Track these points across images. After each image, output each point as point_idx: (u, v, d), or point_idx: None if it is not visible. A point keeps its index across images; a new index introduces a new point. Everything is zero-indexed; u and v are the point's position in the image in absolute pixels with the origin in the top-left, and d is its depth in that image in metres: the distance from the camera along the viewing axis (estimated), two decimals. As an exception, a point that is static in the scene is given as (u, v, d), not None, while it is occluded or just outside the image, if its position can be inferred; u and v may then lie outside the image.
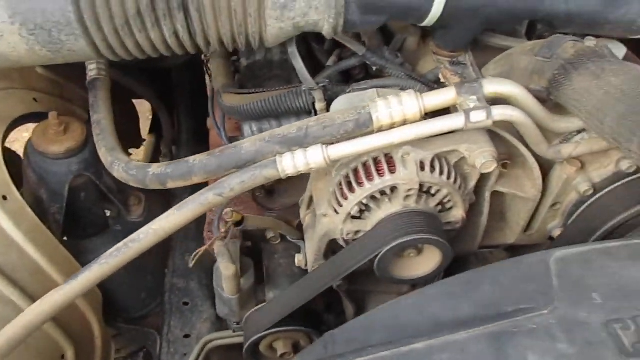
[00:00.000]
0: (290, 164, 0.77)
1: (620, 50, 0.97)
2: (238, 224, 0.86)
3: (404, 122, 0.77)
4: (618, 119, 0.72)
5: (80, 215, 1.30)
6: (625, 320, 0.57)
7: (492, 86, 0.77)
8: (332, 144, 0.78)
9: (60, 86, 1.39)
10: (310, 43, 1.13)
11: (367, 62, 1.00)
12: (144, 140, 1.91)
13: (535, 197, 0.89)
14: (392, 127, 0.77)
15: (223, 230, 0.87)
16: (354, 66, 1.03)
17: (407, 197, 0.80)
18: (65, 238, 1.29)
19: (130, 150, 1.75)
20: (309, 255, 0.94)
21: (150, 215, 1.37)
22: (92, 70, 1.14)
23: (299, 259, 0.99)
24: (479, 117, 0.74)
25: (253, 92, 1.05)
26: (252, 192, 1.12)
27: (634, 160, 0.82)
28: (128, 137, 1.70)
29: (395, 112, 0.76)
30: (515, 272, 0.65)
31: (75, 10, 0.79)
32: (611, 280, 0.61)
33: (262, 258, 1.14)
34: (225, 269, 0.97)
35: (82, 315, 1.22)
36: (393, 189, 0.80)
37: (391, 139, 0.76)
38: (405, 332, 0.61)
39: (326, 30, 0.86)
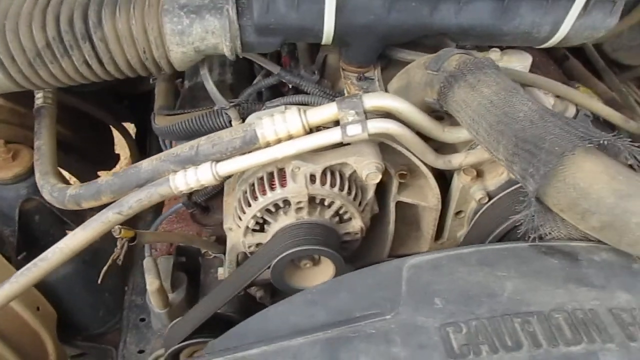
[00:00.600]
0: (182, 181, 0.81)
1: (526, 60, 0.99)
2: (132, 239, 0.90)
3: (290, 138, 0.81)
4: (487, 128, 0.74)
5: (37, 237, 1.36)
6: (458, 323, 0.59)
7: (372, 100, 0.80)
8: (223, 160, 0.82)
9: (20, 115, 1.46)
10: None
11: (283, 80, 1.04)
12: (119, 160, 1.97)
13: (436, 206, 0.91)
14: (278, 142, 0.81)
15: (119, 247, 0.91)
16: (272, 84, 1.07)
17: (298, 209, 0.83)
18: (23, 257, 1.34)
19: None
20: (224, 268, 0.98)
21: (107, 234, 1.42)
22: (39, 98, 1.21)
23: (220, 273, 1.02)
24: (355, 130, 0.77)
25: (180, 113, 1.09)
26: (188, 209, 1.16)
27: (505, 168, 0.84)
28: (98, 159, 1.77)
29: (279, 129, 0.80)
30: (371, 279, 0.67)
31: (-11, 46, 0.85)
32: (455, 285, 0.63)
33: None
34: (149, 284, 1.01)
35: (35, 333, 1.26)
36: (285, 202, 0.83)
37: (274, 154, 0.79)
38: (272, 339, 0.64)
39: (226, 52, 0.91)
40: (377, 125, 0.78)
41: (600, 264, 0.65)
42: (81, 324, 1.44)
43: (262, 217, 0.85)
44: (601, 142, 0.64)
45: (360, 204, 0.87)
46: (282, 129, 0.80)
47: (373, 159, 0.82)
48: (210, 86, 0.98)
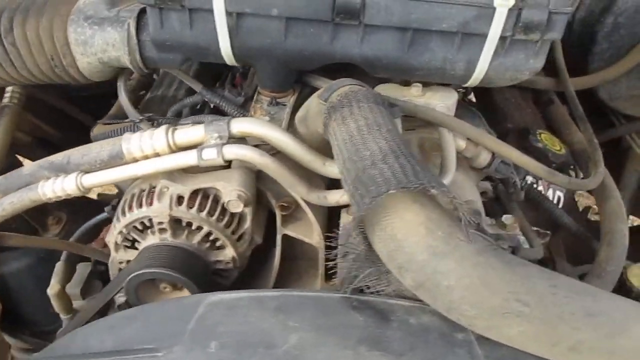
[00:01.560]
0: (49, 189, 0.81)
1: (449, 98, 0.92)
2: None
3: (156, 155, 0.79)
4: (342, 164, 0.69)
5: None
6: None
7: (240, 125, 0.77)
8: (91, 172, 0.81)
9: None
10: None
11: (205, 99, 1.03)
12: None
13: (318, 243, 0.86)
14: (145, 159, 0.79)
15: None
16: (197, 102, 1.06)
17: (161, 230, 0.81)
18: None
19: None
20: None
21: (68, 234, 1.45)
22: (6, 97, 1.26)
23: (117, 286, 1.01)
24: (210, 154, 0.74)
25: (112, 124, 1.11)
26: (112, 218, 1.16)
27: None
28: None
29: (145, 145, 0.78)
30: (170, 311, 0.63)
31: None
32: (241, 330, 0.58)
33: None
34: (50, 287, 1.02)
35: (-26, 321, 1.30)
36: (151, 221, 0.81)
37: (134, 171, 0.78)
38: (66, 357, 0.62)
39: (129, 66, 0.91)
40: (233, 151, 0.75)
41: (414, 328, 0.58)
42: (30, 319, 1.47)
43: (128, 234, 0.83)
44: (426, 188, 0.57)
45: (234, 232, 0.83)
46: (147, 146, 0.78)
47: (236, 186, 0.78)
48: (123, 98, 0.98)
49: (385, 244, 0.59)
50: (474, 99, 1.28)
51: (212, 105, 1.03)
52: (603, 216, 1.01)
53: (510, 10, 0.78)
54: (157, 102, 1.26)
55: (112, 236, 0.85)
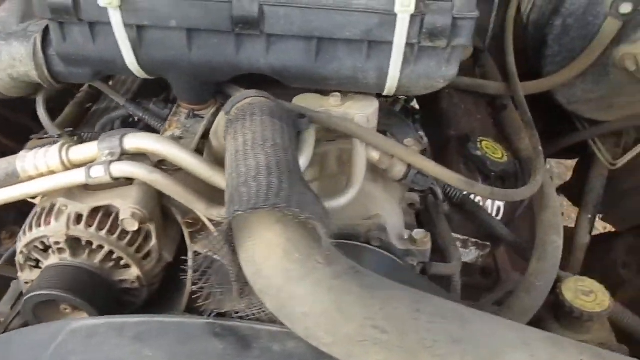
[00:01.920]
0: (-54, 208, 0.79)
1: (369, 107, 0.88)
2: None
3: (51, 173, 0.77)
4: (227, 180, 0.66)
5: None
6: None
7: (133, 141, 0.74)
8: (-10, 191, 0.79)
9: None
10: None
11: (130, 112, 1.01)
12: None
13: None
14: (41, 177, 0.77)
15: None
16: (124, 116, 1.04)
17: (59, 250, 0.79)
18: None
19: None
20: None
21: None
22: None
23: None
24: (98, 172, 0.72)
25: (43, 138, 1.09)
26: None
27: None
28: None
29: (39, 163, 0.76)
30: (37, 336, 0.61)
31: None
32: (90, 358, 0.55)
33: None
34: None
35: None
36: (49, 240, 0.79)
37: (25, 191, 0.76)
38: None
39: (40, 81, 0.89)
40: (121, 169, 0.72)
41: (275, 356, 0.55)
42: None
43: (30, 254, 0.81)
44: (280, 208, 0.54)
45: (139, 250, 0.81)
46: (42, 164, 0.76)
47: (131, 204, 0.75)
48: (41, 112, 0.97)
49: (247, 267, 0.56)
50: (417, 106, 1.24)
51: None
52: (538, 227, 0.97)
53: (412, 16, 0.75)
54: (99, 115, 1.24)
55: (17, 257, 0.82)
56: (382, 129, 0.98)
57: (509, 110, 1.28)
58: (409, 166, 0.84)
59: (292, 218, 0.56)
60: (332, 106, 0.88)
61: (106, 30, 0.80)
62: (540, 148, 1.11)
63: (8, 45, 0.87)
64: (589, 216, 1.47)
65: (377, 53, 0.80)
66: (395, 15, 0.75)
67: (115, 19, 0.78)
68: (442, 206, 0.92)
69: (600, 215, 1.64)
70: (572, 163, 1.93)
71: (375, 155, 0.84)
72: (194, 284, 0.62)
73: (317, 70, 0.83)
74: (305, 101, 0.89)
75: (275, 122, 0.72)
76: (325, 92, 0.89)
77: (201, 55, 0.82)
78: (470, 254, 1.06)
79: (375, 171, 0.87)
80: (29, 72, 0.88)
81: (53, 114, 1.29)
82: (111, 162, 0.72)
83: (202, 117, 0.93)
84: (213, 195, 0.79)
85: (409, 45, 0.78)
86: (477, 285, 1.08)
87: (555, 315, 0.92)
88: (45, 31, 0.87)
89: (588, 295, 0.90)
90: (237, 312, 0.59)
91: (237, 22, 0.77)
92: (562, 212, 1.84)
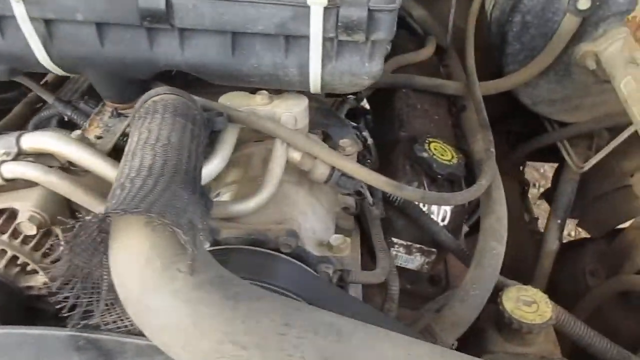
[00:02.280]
0: None
1: (298, 105, 0.84)
2: None
3: (-48, 175, 0.73)
4: (115, 182, 0.62)
5: None
6: None
7: (30, 139, 0.71)
8: None
9: None
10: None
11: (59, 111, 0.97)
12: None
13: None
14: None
15: None
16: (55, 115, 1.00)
17: (-40, 254, 0.75)
18: None
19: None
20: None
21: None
22: None
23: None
24: (-11, 173, 0.68)
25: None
26: None
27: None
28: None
29: (-62, 165, 0.72)
30: None
31: None
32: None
33: None
34: None
35: None
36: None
37: None
38: None
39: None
40: (12, 169, 0.68)
41: (137, 373, 0.51)
42: None
43: None
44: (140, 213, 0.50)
45: (45, 255, 0.77)
46: (-59, 165, 0.72)
47: (30, 207, 0.72)
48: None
49: (112, 274, 0.52)
50: (367, 106, 1.19)
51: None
52: (480, 233, 0.91)
53: (326, 9, 0.70)
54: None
55: None
56: (318, 129, 0.94)
57: (469, 110, 1.23)
58: (333, 168, 0.79)
59: (160, 224, 0.52)
60: (258, 104, 0.84)
61: (14, 24, 0.77)
62: (493, 150, 1.06)
63: None
64: (558, 221, 1.42)
65: (295, 48, 0.76)
66: (309, 7, 0.70)
67: (19, 11, 0.74)
68: (373, 210, 0.87)
69: (576, 221, 1.58)
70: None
71: (296, 156, 0.79)
72: (55, 293, 0.58)
73: (235, 67, 0.78)
74: (232, 99, 0.85)
75: (178, 120, 0.68)
76: (254, 91, 0.85)
77: (115, 51, 0.78)
78: (415, 261, 1.01)
79: (301, 174, 0.83)
80: (-59, 68, 0.85)
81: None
82: (3, 162, 0.68)
83: (127, 117, 0.89)
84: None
85: (326, 39, 0.73)
86: (424, 293, 1.03)
87: (496, 326, 0.87)
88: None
89: (529, 305, 0.85)
90: (106, 324, 0.55)
91: (145, 15, 0.73)
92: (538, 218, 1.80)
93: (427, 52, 1.32)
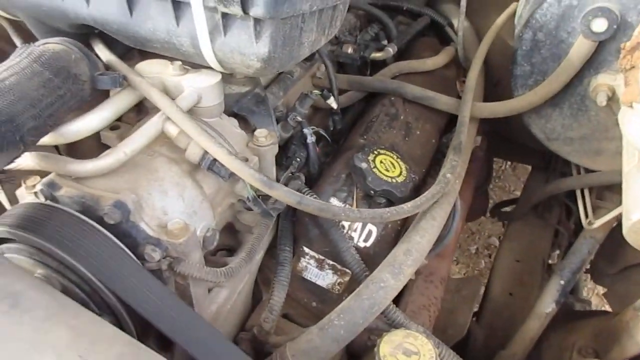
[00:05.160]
0: None
1: (206, 82, 0.79)
2: None
3: None
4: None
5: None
6: None
7: None
8: None
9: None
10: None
11: None
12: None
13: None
14: None
15: None
16: None
17: None
18: None
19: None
20: None
21: None
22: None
23: None
24: None
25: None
26: None
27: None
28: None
29: None
30: None
31: None
32: None
33: None
34: None
35: None
36: None
37: None
38: None
39: None
40: None
41: None
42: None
43: None
44: None
45: None
46: None
47: None
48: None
49: None
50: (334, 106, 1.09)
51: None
52: (383, 262, 0.79)
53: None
54: None
55: None
56: (241, 113, 0.88)
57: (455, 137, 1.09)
58: (206, 152, 0.73)
59: None
60: (169, 74, 0.80)
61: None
62: (450, 176, 0.92)
63: None
64: (561, 282, 1.20)
65: (184, 16, 0.71)
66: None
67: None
68: (251, 205, 0.79)
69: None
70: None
71: (173, 131, 0.74)
72: None
73: (134, 28, 0.75)
74: (149, 66, 0.82)
75: (34, 67, 0.66)
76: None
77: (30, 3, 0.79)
78: (327, 278, 0.90)
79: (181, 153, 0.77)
80: None
81: None
82: None
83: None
84: None
85: (207, 8, 0.68)
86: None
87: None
88: None
89: (409, 356, 0.72)
90: None
91: (45, -37, 0.72)
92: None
93: (434, 62, 1.19)
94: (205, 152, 0.73)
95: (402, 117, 1.10)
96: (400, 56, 1.28)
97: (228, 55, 0.72)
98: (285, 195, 0.72)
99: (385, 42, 1.26)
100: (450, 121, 1.17)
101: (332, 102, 1.04)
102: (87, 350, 0.40)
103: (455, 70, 1.29)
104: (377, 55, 1.19)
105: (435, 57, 1.20)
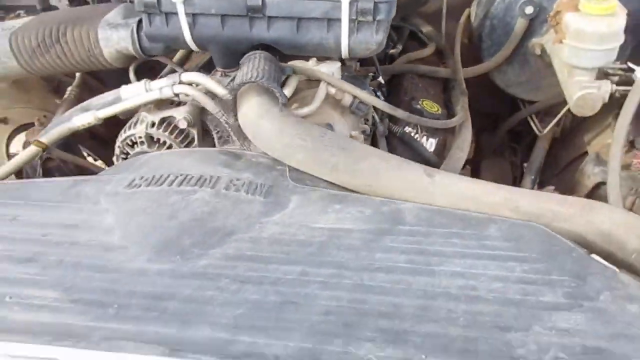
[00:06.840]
0: (79, 120, 1.35)
1: (333, 66, 1.40)
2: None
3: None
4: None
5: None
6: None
7: (187, 76, 1.29)
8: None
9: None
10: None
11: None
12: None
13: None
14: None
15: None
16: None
17: (140, 143, 1.32)
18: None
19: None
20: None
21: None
22: (66, 94, 1.86)
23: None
24: (166, 92, 1.26)
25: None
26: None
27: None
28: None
29: (132, 90, 1.31)
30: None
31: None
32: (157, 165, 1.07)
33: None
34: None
35: None
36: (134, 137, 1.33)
37: (124, 107, 1.31)
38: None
39: (135, 53, 1.46)
40: (180, 89, 1.26)
41: (252, 161, 1.05)
42: None
43: (122, 148, 1.35)
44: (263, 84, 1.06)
45: (187, 147, 1.33)
46: (133, 90, 1.31)
47: (184, 113, 1.29)
48: (132, 76, 1.53)
49: (240, 115, 1.08)
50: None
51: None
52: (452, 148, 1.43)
53: (350, 3, 1.26)
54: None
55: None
56: (347, 85, 1.49)
57: (455, 89, 1.76)
58: (355, 98, 1.34)
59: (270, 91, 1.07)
60: (310, 66, 1.40)
61: (174, 17, 1.36)
62: (466, 107, 1.58)
63: (117, 31, 1.44)
64: (532, 177, 1.89)
65: (332, 26, 1.32)
66: (340, 2, 1.26)
67: (180, 9, 1.33)
68: (380, 129, 1.40)
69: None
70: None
71: (332, 90, 1.34)
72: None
73: (298, 41, 1.35)
74: (295, 63, 1.42)
75: (267, 61, 1.24)
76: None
77: (229, 32, 1.36)
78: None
79: (336, 103, 1.37)
80: (128, 46, 1.45)
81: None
82: (174, 84, 1.26)
83: (229, 75, 1.47)
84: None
85: (351, 20, 1.29)
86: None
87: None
88: (139, 22, 1.44)
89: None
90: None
91: (249, 9, 1.31)
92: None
93: (428, 51, 1.87)
94: (354, 98, 1.34)
95: (420, 85, 1.76)
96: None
97: (357, 46, 1.33)
98: (400, 113, 1.33)
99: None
100: (445, 88, 1.85)
101: (381, 79, 1.68)
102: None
103: (437, 58, 1.98)
104: (392, 51, 1.86)
105: (427, 49, 1.89)
